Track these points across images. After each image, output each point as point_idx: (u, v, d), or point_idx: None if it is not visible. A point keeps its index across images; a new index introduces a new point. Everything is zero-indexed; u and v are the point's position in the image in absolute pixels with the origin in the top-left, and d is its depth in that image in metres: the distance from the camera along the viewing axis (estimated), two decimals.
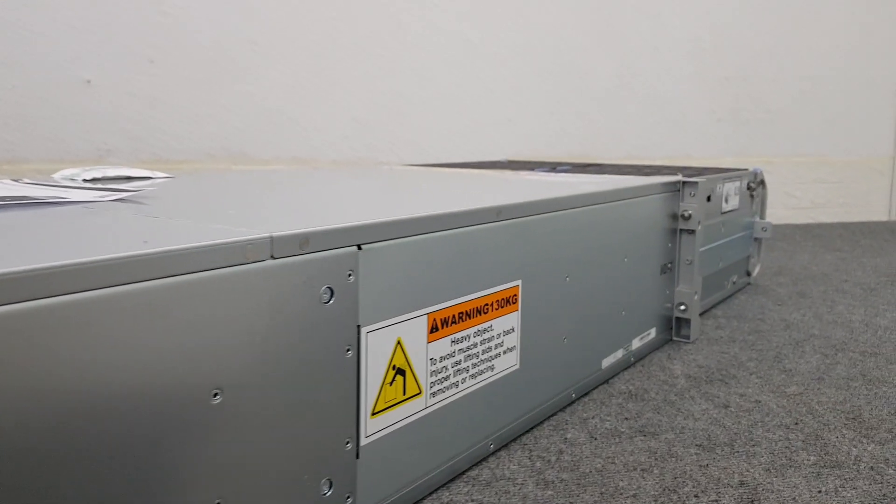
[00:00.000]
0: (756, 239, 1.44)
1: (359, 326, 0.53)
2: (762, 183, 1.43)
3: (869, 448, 0.72)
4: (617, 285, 0.90)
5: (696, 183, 1.04)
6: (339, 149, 2.32)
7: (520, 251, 0.71)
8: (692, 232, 1.05)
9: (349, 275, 0.52)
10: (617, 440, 0.73)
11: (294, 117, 2.26)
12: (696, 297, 1.07)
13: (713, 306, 1.27)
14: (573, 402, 0.83)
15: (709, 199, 1.18)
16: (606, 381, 0.90)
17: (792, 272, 1.57)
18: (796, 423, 0.77)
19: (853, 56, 2.71)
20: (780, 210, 2.73)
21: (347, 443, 0.53)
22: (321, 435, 0.51)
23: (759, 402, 0.83)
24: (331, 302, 0.51)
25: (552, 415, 0.79)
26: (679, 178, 1.06)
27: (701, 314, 1.21)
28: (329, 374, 0.51)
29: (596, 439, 0.73)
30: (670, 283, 1.06)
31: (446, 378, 0.63)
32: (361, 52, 2.27)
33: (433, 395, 0.61)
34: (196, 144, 2.20)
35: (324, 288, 0.50)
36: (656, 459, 0.69)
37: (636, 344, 0.97)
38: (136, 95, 2.10)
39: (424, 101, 2.36)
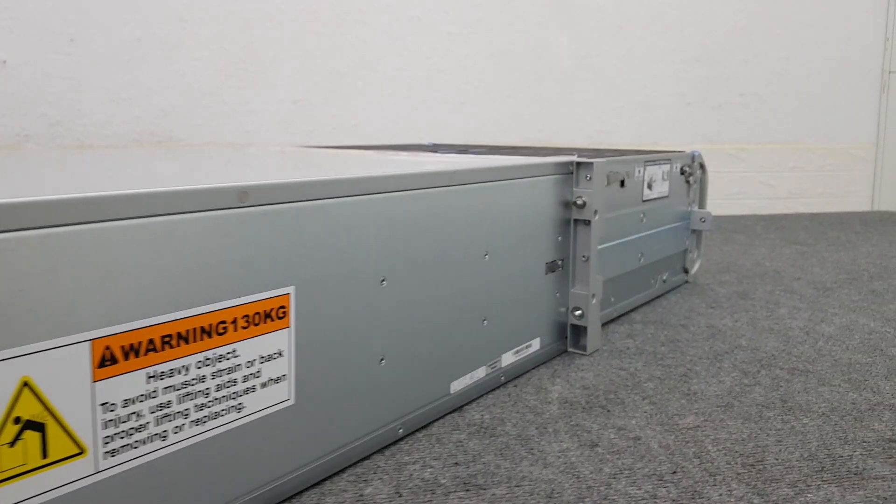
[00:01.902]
0: (694, 231, 1.26)
1: None
2: (702, 167, 1.25)
3: None
4: (472, 288, 0.72)
5: (592, 164, 0.86)
6: (275, 133, 2.14)
7: (289, 248, 0.52)
8: (588, 223, 0.87)
9: None
10: (428, 498, 0.55)
11: (227, 100, 2.08)
12: (593, 301, 0.88)
13: (634, 309, 1.09)
14: (399, 439, 0.65)
15: (622, 183, 1.00)
16: (459, 409, 0.72)
17: (741, 269, 1.38)
18: (674, 473, 0.59)
19: (832, 34, 2.52)
20: (755, 200, 2.54)
21: None
22: None
23: (639, 439, 0.65)
24: None
25: (364, 458, 0.61)
26: (573, 158, 0.88)
27: (617, 318, 1.03)
28: None
29: (401, 496, 0.55)
30: (562, 284, 0.88)
31: (140, 429, 0.45)
32: (300, 29, 2.09)
33: (111, 453, 0.43)
34: (121, 129, 2.02)
35: None
36: None
37: (509, 359, 0.79)
38: (55, 76, 1.93)
39: (369, 82, 2.18)
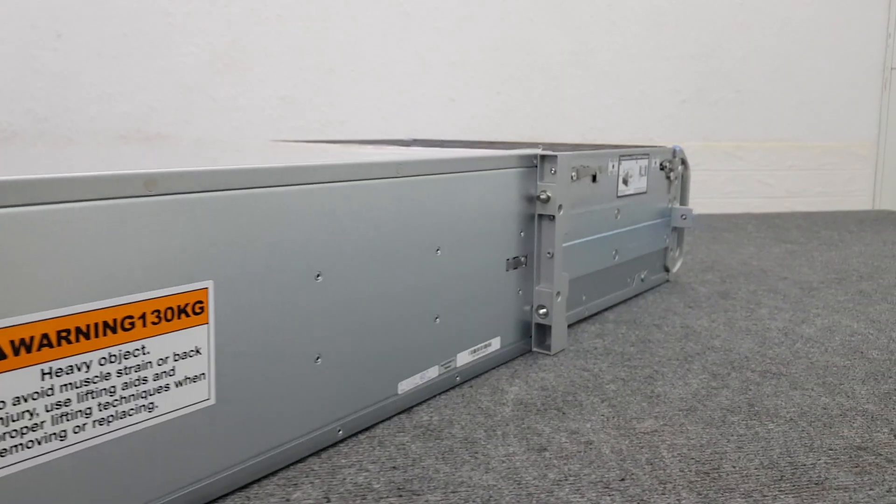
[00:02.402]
0: (676, 229, 1.22)
1: None
2: (683, 163, 1.21)
3: None
4: (422, 285, 0.69)
5: (556, 157, 0.82)
6: (263, 130, 2.11)
7: (206, 240, 0.49)
8: (552, 218, 0.84)
9: None
10: (357, 503, 0.52)
11: (214, 96, 2.06)
12: (558, 300, 0.85)
13: (609, 308, 1.05)
14: (339, 441, 0.62)
15: (594, 178, 0.97)
16: (407, 410, 0.69)
17: (726, 268, 1.35)
18: (622, 480, 0.56)
19: (832, 29, 2.48)
20: (753, 199, 2.50)
21: None
22: None
23: (591, 443, 0.62)
24: None
25: (298, 461, 0.58)
26: (536, 151, 0.85)
27: (589, 317, 1.00)
28: None
29: (329, 500, 0.52)
30: (526, 282, 0.85)
31: (34, 428, 0.42)
32: (287, 25, 2.06)
33: (0, 454, 0.40)
34: (108, 125, 2.00)
35: None
36: None
37: (466, 359, 0.76)
38: (42, 72, 1.91)
39: (357, 78, 2.15)
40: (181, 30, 2.01)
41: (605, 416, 0.68)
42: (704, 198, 2.43)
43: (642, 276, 1.14)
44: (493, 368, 0.80)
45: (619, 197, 1.04)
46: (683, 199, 1.22)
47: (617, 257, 1.05)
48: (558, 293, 0.85)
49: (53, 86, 1.97)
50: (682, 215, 1.20)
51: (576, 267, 0.94)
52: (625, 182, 1.05)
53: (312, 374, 0.58)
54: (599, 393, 0.74)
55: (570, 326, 0.96)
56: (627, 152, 1.05)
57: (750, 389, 0.75)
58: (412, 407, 0.69)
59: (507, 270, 0.81)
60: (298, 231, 0.56)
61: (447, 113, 2.27)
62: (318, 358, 0.59)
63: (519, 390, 0.74)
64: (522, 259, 0.83)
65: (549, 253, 0.84)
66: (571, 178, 0.91)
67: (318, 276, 0.58)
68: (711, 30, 2.41)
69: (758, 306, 1.07)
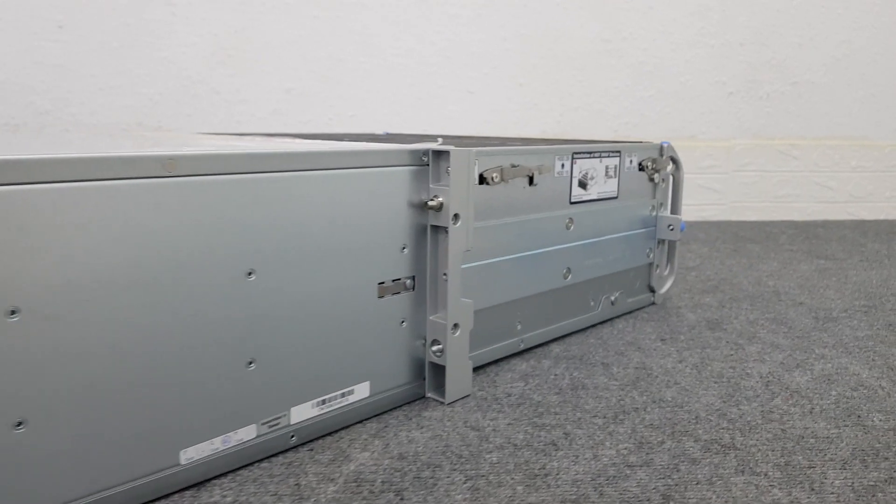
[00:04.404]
0: (661, 241, 1.02)
1: None
2: (674, 163, 1.00)
3: None
4: (223, 320, 0.52)
5: (448, 152, 0.64)
6: (269, 124, 1.99)
7: None
8: (446, 231, 0.66)
9: None
10: None
11: (217, 88, 1.95)
12: (455, 334, 0.67)
13: (560, 337, 0.86)
14: None
15: (531, 180, 0.78)
16: (197, 486, 0.52)
17: (733, 288, 1.13)
18: None
19: None
20: (810, 204, 2.23)
21: None
22: None
23: None
24: None
25: None
26: (429, 145, 0.66)
27: (529, 350, 0.81)
28: None
29: None
30: (416, 310, 0.67)
31: None
32: (294, 13, 1.93)
33: None
34: (109, 118, 1.92)
35: None
36: None
37: (306, 414, 0.59)
38: (43, 64, 1.84)
39: (368, 70, 2.00)
40: (183, 19, 1.91)
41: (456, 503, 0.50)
42: (755, 202, 2.18)
43: (613, 299, 0.94)
44: (359, 423, 0.63)
45: (572, 203, 0.85)
46: (675, 206, 1.02)
47: (570, 277, 0.85)
48: (455, 325, 0.67)
49: (55, 78, 1.90)
50: (668, 225, 0.99)
51: (500, 290, 0.76)
52: (582, 185, 0.85)
53: (14, 445, 0.43)
54: (472, 466, 0.55)
55: (498, 362, 0.78)
56: (586, 149, 0.85)
57: (678, 470, 0.55)
58: (207, 481, 0.53)
59: (383, 297, 0.63)
60: None
61: (465, 106, 2.09)
62: (19, 424, 0.43)
63: (368, 458, 0.56)
64: (407, 282, 0.65)
65: (444, 274, 0.66)
66: (493, 179, 0.73)
67: (11, 315, 0.42)
68: (763, 14, 2.15)
69: (749, 342, 0.86)
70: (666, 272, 1.04)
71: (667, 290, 1.04)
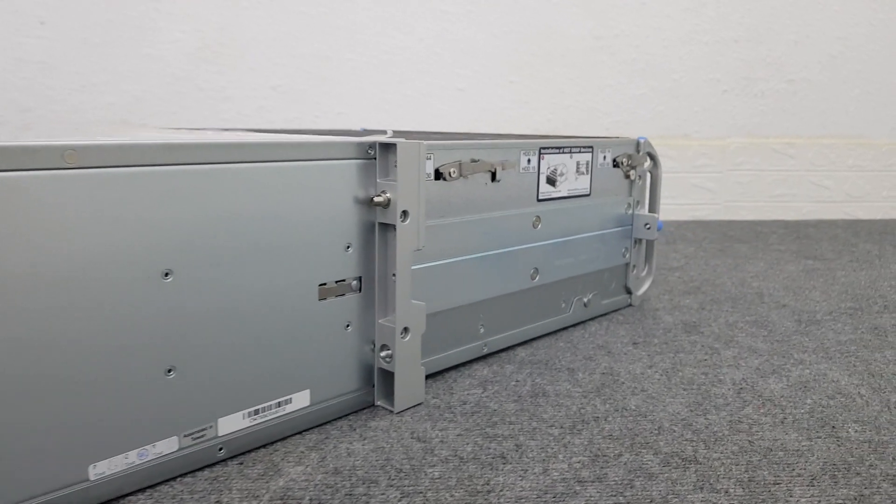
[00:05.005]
0: (638, 241, 0.98)
1: None
2: (652, 159, 0.96)
3: None
4: (140, 324, 0.48)
5: (395, 145, 0.60)
6: (254, 121, 1.96)
7: None
8: (394, 228, 0.62)
9: None
10: None
11: (202, 85, 1.91)
12: (405, 338, 0.63)
13: (528, 340, 0.82)
14: None
15: (493, 176, 0.74)
16: (108, 503, 0.48)
17: (715, 290, 1.09)
18: None
19: None
20: (806, 204, 2.19)
21: None
22: None
23: None
24: None
25: None
26: (377, 138, 0.63)
27: (493, 354, 0.78)
28: None
29: None
30: (364, 313, 0.63)
31: None
32: (280, 8, 1.90)
33: None
34: (93, 115, 1.89)
35: None
36: None
37: (237, 425, 0.55)
38: (25, 61, 1.81)
39: (356, 66, 1.97)
40: (167, 15, 1.88)
41: None
42: (749, 201, 2.14)
43: (586, 301, 0.90)
44: (298, 434, 0.59)
45: (540, 200, 0.81)
46: (653, 204, 0.98)
47: (538, 277, 0.81)
48: (405, 329, 0.63)
49: (37, 74, 1.86)
50: (645, 224, 0.95)
51: (460, 291, 0.72)
52: (550, 182, 0.82)
53: None
54: (410, 482, 0.51)
55: (458, 367, 0.74)
56: (556, 144, 0.81)
57: (632, 486, 0.51)
58: (122, 497, 0.49)
59: (325, 299, 0.60)
60: None
61: (454, 104, 2.05)
62: None
63: (300, 473, 0.53)
64: (353, 283, 0.62)
65: (393, 275, 0.63)
66: (450, 174, 0.69)
67: None
68: (757, 11, 2.11)
69: (726, 346, 0.82)
70: (644, 273, 1.00)
71: (644, 291, 1.00)
